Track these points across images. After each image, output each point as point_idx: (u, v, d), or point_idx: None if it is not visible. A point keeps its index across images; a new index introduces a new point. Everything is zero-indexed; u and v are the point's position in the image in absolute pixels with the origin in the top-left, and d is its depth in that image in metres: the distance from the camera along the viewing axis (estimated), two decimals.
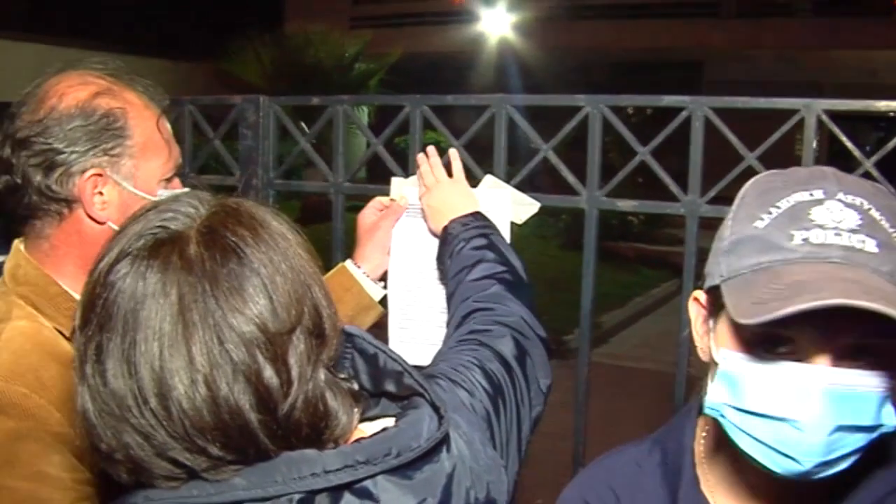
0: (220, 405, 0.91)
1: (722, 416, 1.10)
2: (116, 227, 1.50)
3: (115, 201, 1.56)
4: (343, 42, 17.18)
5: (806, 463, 1.03)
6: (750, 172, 1.83)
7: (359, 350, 1.15)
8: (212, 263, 0.94)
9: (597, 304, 2.09)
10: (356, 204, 2.24)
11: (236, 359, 0.92)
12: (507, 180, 2.06)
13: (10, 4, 17.86)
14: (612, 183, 2.01)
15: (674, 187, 1.94)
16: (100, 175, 1.53)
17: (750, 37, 18.28)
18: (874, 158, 1.78)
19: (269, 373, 0.94)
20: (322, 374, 1.00)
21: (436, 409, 1.09)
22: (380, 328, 2.17)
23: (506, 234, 1.98)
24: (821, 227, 1.05)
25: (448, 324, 1.70)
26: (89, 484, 1.43)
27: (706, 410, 1.13)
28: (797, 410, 1.02)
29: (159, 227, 0.98)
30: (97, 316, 0.94)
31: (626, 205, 2.01)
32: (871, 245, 1.03)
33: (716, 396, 1.10)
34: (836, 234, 1.04)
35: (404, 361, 1.15)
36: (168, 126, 1.65)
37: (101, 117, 1.53)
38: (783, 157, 1.80)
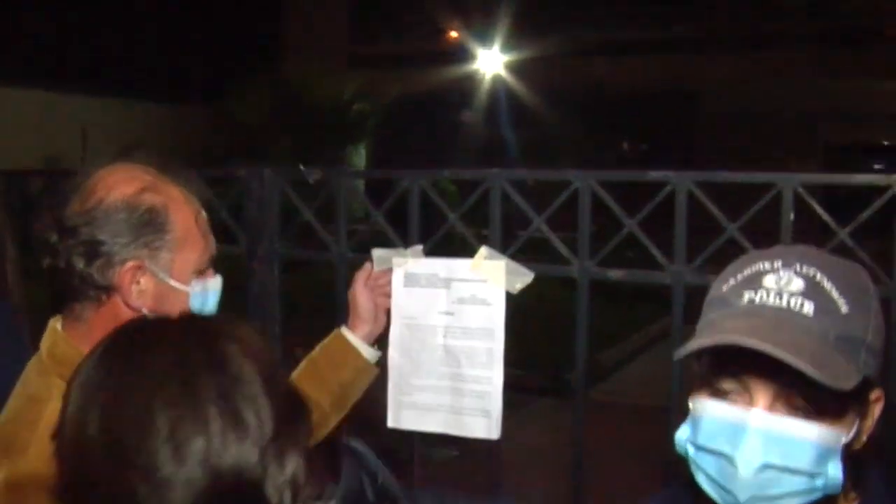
0: None
1: (686, 452, 1.24)
2: (148, 315, 1.61)
3: (152, 291, 1.64)
4: (341, 82, 17.33)
5: (741, 496, 1.16)
6: (732, 242, 1.95)
7: (364, 467, 1.22)
8: None
9: (594, 341, 2.18)
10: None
11: None
12: (502, 251, 2.15)
13: (12, 54, 17.99)
14: (602, 253, 2.10)
15: (660, 257, 2.03)
16: (139, 267, 1.61)
17: (746, 69, 18.49)
18: (847, 229, 1.89)
19: None
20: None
21: None
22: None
23: (501, 303, 2.07)
24: (766, 289, 1.19)
25: None
26: None
27: (676, 448, 1.26)
28: (731, 447, 1.16)
29: None
30: None
31: (616, 274, 2.11)
32: (808, 307, 1.15)
33: (681, 433, 1.25)
34: (777, 296, 1.17)
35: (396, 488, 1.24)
36: (205, 219, 1.73)
37: (144, 212, 1.61)
38: (770, 223, 1.92)
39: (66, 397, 1.06)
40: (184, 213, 1.67)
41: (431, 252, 2.21)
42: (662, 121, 19.22)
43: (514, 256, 2.11)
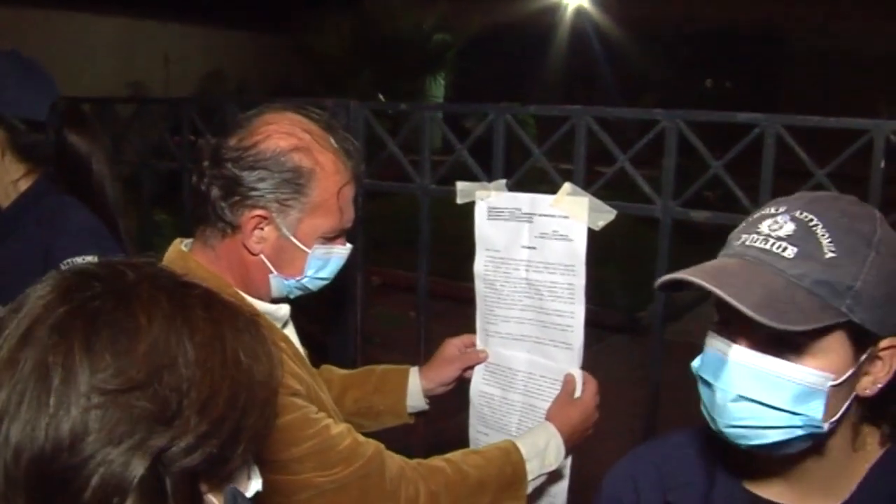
0: None
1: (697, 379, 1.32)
2: (267, 263, 1.70)
3: (272, 242, 1.72)
4: (421, 13, 17.20)
5: (719, 423, 1.25)
6: (820, 189, 1.92)
7: None
8: None
9: None
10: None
11: None
12: (585, 188, 2.15)
13: None
14: (687, 194, 2.10)
15: (745, 201, 2.02)
16: (265, 217, 1.69)
17: (835, 5, 17.85)
18: None
19: None
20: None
21: None
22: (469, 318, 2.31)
23: (583, 239, 2.08)
24: (758, 233, 1.24)
25: None
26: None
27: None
28: (714, 377, 1.24)
29: None
30: None
31: (699, 216, 2.11)
32: (790, 252, 1.19)
33: (694, 363, 1.31)
34: (765, 240, 1.22)
35: None
36: (350, 193, 1.78)
37: (288, 171, 1.68)
38: (860, 171, 1.90)
39: None
40: (327, 183, 1.72)
41: (513, 187, 2.24)
42: (748, 59, 18.75)
43: (596, 194, 2.12)
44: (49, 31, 17.36)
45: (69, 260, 2.06)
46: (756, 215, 1.28)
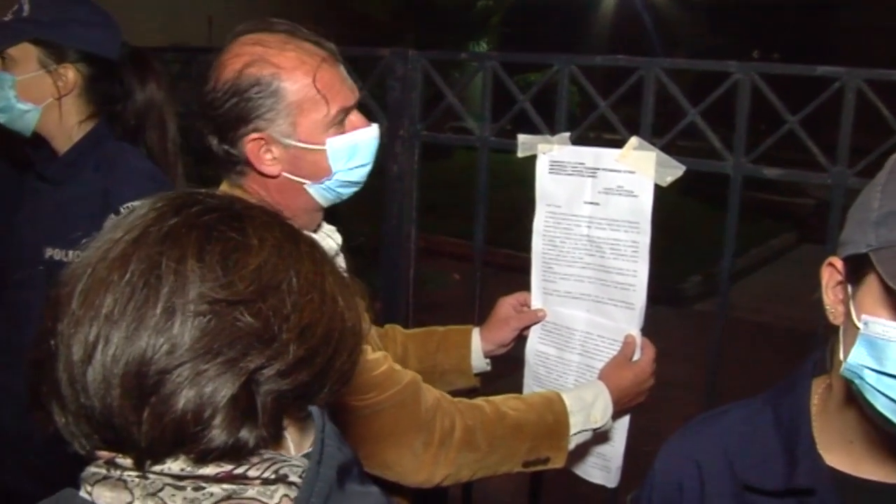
0: None
1: (860, 377, 1.15)
2: (293, 178, 1.69)
3: (284, 156, 1.70)
4: None
5: None
6: None
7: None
8: None
9: (714, 254, 2.14)
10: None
11: None
12: (653, 142, 2.08)
13: None
14: (759, 150, 2.02)
15: (821, 158, 1.95)
16: (261, 138, 1.67)
17: None
18: None
19: None
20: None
21: None
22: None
23: (649, 195, 2.02)
24: None
25: None
26: None
27: (843, 372, 1.17)
28: None
29: None
30: None
31: (772, 172, 2.03)
32: None
33: (857, 359, 1.15)
34: None
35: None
36: (328, 74, 1.71)
37: (250, 86, 1.65)
38: None
39: None
40: (296, 78, 1.67)
41: (575, 142, 2.18)
42: (796, 32, 18.43)
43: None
44: None
45: (128, 205, 2.04)
46: None
